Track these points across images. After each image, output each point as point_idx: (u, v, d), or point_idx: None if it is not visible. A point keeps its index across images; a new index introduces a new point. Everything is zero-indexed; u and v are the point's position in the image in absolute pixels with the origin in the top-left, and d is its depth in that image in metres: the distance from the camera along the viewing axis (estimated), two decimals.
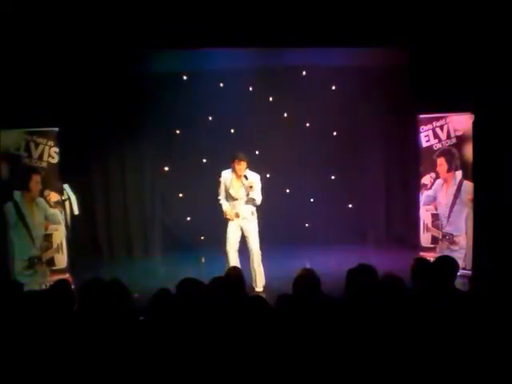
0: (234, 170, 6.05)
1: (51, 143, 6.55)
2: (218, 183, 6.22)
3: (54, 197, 6.60)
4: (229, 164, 6.14)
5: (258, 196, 6.05)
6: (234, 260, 6.10)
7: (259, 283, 6.03)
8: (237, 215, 6.10)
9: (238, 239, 6.14)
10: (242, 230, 6.14)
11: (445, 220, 6.89)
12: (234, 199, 6.09)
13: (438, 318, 3.08)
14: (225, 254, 6.16)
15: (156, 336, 3.02)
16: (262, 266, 6.15)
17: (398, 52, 6.84)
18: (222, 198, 6.20)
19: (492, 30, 6.02)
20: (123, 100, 7.81)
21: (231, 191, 6.07)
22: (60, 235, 6.63)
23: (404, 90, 7.73)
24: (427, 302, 3.26)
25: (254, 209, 6.16)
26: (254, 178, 6.05)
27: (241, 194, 6.06)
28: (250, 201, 6.08)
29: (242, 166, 5.97)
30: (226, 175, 6.13)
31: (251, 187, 5.97)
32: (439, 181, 6.93)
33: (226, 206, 6.17)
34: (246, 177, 5.99)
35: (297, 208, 8.56)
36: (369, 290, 3.26)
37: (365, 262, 3.54)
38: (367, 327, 2.98)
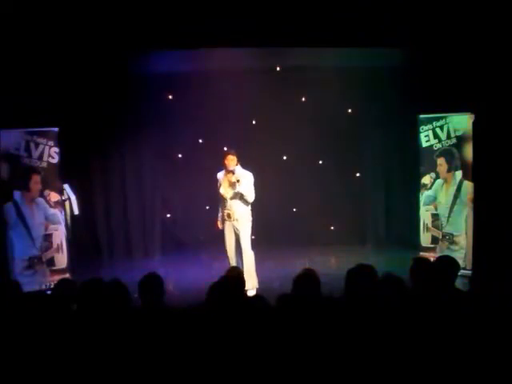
0: (224, 167, 6.04)
1: (51, 143, 6.55)
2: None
3: (54, 197, 6.61)
4: None
5: (246, 191, 5.95)
6: (232, 259, 6.14)
7: (249, 284, 5.94)
8: (229, 216, 6.07)
9: (234, 239, 6.14)
10: (234, 230, 6.13)
11: (445, 220, 6.89)
12: (224, 198, 6.06)
13: (438, 317, 3.08)
14: (225, 252, 6.19)
15: (156, 336, 3.02)
16: (253, 268, 6.08)
17: (397, 52, 6.83)
18: (219, 203, 6.22)
19: (492, 30, 6.03)
20: (123, 100, 7.81)
21: (221, 190, 6.06)
22: (60, 235, 6.63)
23: (404, 90, 7.74)
24: (427, 302, 3.26)
25: (247, 210, 6.10)
26: (245, 174, 5.99)
27: (229, 192, 6.02)
28: (239, 197, 5.99)
29: (229, 161, 5.94)
30: (220, 175, 6.14)
31: (238, 181, 5.91)
32: (439, 181, 6.94)
33: (220, 215, 6.22)
34: (232, 172, 5.95)
35: (297, 208, 8.56)
36: (368, 290, 3.26)
37: (365, 262, 3.55)
38: (367, 327, 2.98)
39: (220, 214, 6.22)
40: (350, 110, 8.37)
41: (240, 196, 5.99)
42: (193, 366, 2.83)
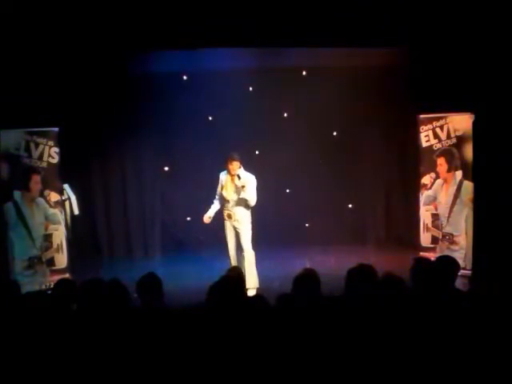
0: (227, 170, 6.04)
1: (51, 143, 6.55)
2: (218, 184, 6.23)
3: (54, 197, 6.60)
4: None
5: (250, 196, 5.97)
6: (233, 259, 6.16)
7: (250, 283, 5.88)
8: (229, 216, 6.08)
9: (235, 239, 6.14)
10: (235, 230, 6.13)
11: (445, 220, 6.89)
12: (226, 200, 6.06)
13: (438, 318, 3.08)
14: (228, 252, 6.20)
15: (156, 336, 3.02)
16: (254, 267, 6.08)
17: (397, 52, 6.84)
18: (214, 201, 6.21)
19: (492, 30, 6.03)
20: (123, 100, 7.80)
21: (223, 192, 6.06)
22: (60, 235, 6.63)
23: (404, 90, 7.73)
24: (427, 302, 3.26)
25: (248, 211, 6.10)
26: (248, 178, 6.00)
27: (232, 195, 6.02)
28: (242, 202, 6.01)
29: (234, 166, 5.93)
30: (222, 176, 6.13)
31: (243, 187, 5.92)
32: (439, 181, 6.93)
33: (209, 211, 6.19)
34: (238, 176, 5.95)
35: (297, 208, 8.56)
36: (369, 290, 3.26)
37: (365, 262, 3.54)
38: (367, 327, 2.98)
39: (210, 210, 6.20)
40: (349, 110, 8.35)
41: (244, 201, 6.01)
42: (193, 366, 2.83)
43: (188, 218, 8.45)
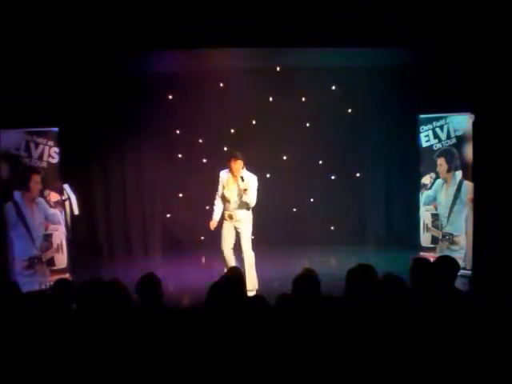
0: (230, 170, 5.99)
1: (51, 143, 6.55)
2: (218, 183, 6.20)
3: (54, 197, 6.61)
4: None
5: (251, 199, 5.93)
6: (229, 259, 6.05)
7: (249, 285, 5.77)
8: (230, 217, 6.03)
9: (233, 239, 6.07)
10: (235, 230, 6.10)
11: (445, 220, 6.90)
12: (227, 200, 6.01)
13: (438, 318, 3.08)
14: (220, 253, 6.10)
15: (156, 336, 3.02)
16: (254, 268, 6.04)
17: (398, 52, 6.84)
18: (216, 202, 6.14)
19: (492, 30, 6.03)
20: (123, 100, 7.81)
21: (225, 192, 6.00)
22: (60, 235, 6.63)
23: (404, 90, 7.73)
24: (427, 302, 3.26)
25: (249, 211, 6.07)
26: (251, 180, 5.95)
27: (234, 196, 5.97)
28: (244, 204, 5.97)
29: (237, 165, 5.89)
30: (223, 175, 6.08)
31: (245, 190, 5.86)
32: (439, 181, 6.94)
33: (215, 215, 6.12)
34: (242, 178, 5.90)
35: (297, 208, 8.57)
36: (369, 290, 3.26)
37: (365, 262, 3.54)
38: (367, 327, 2.98)
39: (215, 215, 6.15)
40: (350, 110, 8.38)
41: (245, 203, 5.98)
42: (193, 366, 2.83)
43: (188, 218, 8.46)
